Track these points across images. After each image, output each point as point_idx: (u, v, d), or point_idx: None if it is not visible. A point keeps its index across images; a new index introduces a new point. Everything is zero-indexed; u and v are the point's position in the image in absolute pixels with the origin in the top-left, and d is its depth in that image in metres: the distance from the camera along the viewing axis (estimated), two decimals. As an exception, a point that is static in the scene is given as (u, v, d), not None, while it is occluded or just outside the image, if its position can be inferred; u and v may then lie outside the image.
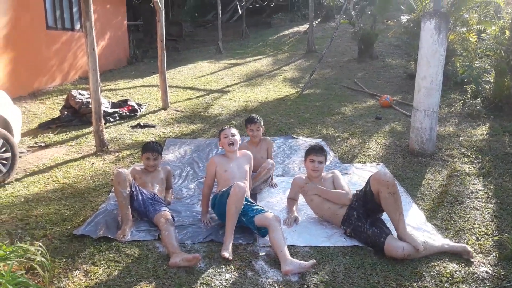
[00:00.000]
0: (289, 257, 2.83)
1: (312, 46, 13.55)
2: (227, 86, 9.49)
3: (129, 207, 3.34)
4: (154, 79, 9.72)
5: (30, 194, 4.00)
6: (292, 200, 3.79)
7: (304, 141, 5.77)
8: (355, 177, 4.59)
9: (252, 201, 3.43)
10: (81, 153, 5.20)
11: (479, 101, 7.12)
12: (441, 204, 3.94)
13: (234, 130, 3.63)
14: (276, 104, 7.96)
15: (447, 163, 4.95)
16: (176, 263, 2.87)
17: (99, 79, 5.10)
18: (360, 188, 3.39)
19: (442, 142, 5.58)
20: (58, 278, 2.65)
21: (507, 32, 6.87)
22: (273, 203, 3.93)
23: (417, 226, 3.50)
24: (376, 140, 5.81)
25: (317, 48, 13.51)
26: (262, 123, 4.44)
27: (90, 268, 2.79)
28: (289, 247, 3.15)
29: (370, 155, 5.28)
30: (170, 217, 3.39)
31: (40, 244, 2.69)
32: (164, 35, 7.29)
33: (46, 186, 4.18)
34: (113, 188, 4.07)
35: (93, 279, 2.67)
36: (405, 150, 5.39)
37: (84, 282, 2.64)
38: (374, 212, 3.26)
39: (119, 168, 3.46)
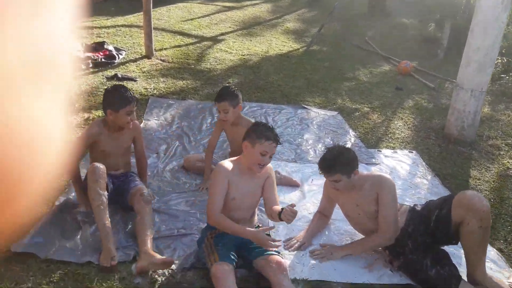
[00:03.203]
0: None
1: (316, -6, 12.16)
2: (222, 34, 8.24)
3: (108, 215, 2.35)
4: (137, 18, 8.33)
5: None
6: (322, 215, 2.69)
7: (317, 114, 4.78)
8: (385, 169, 3.70)
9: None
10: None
11: (515, 77, 6.22)
12: (499, 217, 3.11)
13: (274, 145, 2.24)
14: (279, 60, 6.85)
15: (493, 157, 4.09)
16: (144, 268, 2.11)
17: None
18: (421, 204, 2.49)
19: (480, 127, 4.69)
20: None
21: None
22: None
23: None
24: (402, 118, 4.88)
25: (322, -3, 12.14)
26: (236, 100, 2.99)
27: (30, 315, 1.87)
28: (318, 282, 2.29)
29: (398, 138, 4.37)
30: (145, 191, 2.50)
31: None
32: (152, -34, 5.96)
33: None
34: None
35: None
36: (439, 134, 4.49)
37: None
38: (438, 243, 2.38)
39: (96, 163, 2.41)
